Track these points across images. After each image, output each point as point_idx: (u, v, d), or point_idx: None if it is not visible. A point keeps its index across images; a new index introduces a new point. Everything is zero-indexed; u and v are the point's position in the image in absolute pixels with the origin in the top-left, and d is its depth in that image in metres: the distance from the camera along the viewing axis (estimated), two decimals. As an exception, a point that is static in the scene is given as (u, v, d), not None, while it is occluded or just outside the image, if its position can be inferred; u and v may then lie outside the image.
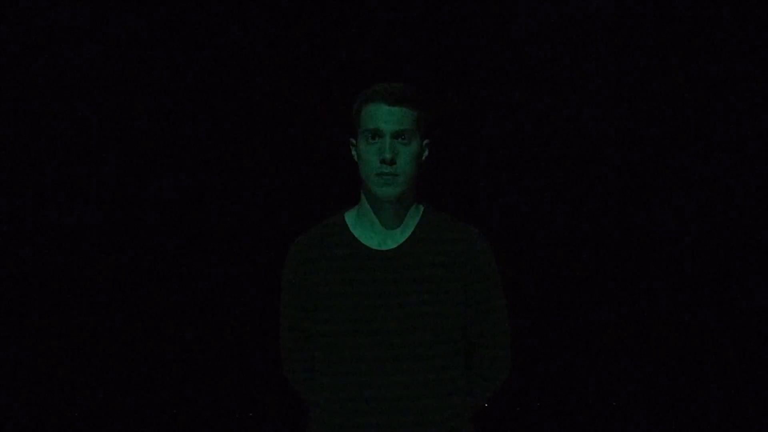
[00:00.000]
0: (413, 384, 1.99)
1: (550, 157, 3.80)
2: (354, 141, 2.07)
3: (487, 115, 3.77)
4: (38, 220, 3.81)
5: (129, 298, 3.86)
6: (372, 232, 2.08)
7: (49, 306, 3.86)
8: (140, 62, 3.74)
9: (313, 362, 2.15)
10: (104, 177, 3.80)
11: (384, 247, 2.05)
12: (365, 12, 3.71)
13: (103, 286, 3.85)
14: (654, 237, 3.84)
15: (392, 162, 1.96)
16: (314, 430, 2.12)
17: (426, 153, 2.08)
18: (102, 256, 3.82)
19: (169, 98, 3.76)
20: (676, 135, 3.79)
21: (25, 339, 3.88)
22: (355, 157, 2.08)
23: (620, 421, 3.92)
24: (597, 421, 3.93)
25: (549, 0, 3.70)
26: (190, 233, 3.83)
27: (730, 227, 3.82)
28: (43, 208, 3.80)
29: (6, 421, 3.90)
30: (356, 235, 2.08)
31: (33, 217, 3.81)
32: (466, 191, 3.74)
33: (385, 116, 1.97)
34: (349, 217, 2.12)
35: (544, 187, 3.81)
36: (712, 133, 3.78)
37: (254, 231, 3.81)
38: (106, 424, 3.92)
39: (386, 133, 1.97)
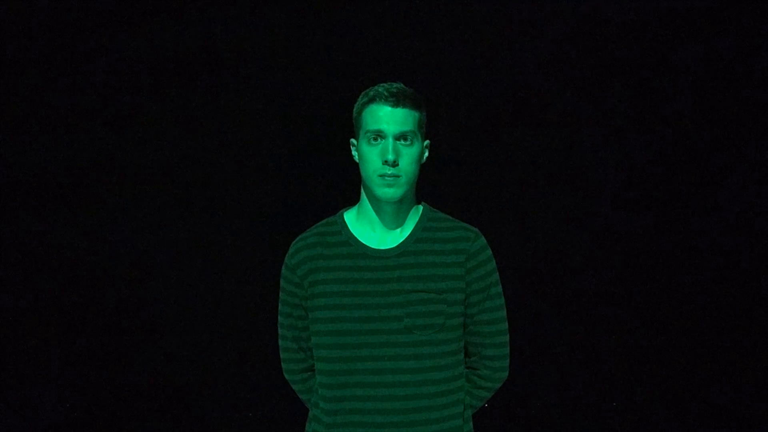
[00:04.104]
0: (412, 384, 2.00)
1: (550, 157, 3.80)
2: (354, 141, 2.08)
3: (487, 114, 3.78)
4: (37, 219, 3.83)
5: (128, 297, 3.86)
6: (372, 232, 2.08)
7: (46, 304, 3.86)
8: (138, 62, 3.75)
9: (311, 362, 2.16)
10: (102, 174, 3.80)
11: (383, 247, 2.06)
12: (364, 12, 3.72)
13: (102, 285, 3.86)
14: (654, 238, 3.84)
15: (395, 163, 1.97)
16: (313, 430, 2.13)
17: (426, 154, 2.09)
18: (100, 253, 3.82)
19: (168, 98, 3.76)
20: (679, 137, 3.79)
21: (24, 340, 3.89)
22: (356, 158, 2.08)
23: (620, 421, 3.92)
24: (597, 422, 3.94)
25: (551, 3, 3.71)
26: (189, 233, 3.83)
27: (730, 228, 3.83)
28: (40, 206, 3.82)
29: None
30: (356, 235, 2.08)
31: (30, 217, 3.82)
32: (466, 191, 3.74)
33: (387, 117, 1.97)
34: (349, 217, 2.12)
35: (544, 188, 3.81)
36: (714, 135, 3.79)
37: (253, 230, 3.81)
38: (105, 425, 3.92)
39: (389, 135, 1.97)
